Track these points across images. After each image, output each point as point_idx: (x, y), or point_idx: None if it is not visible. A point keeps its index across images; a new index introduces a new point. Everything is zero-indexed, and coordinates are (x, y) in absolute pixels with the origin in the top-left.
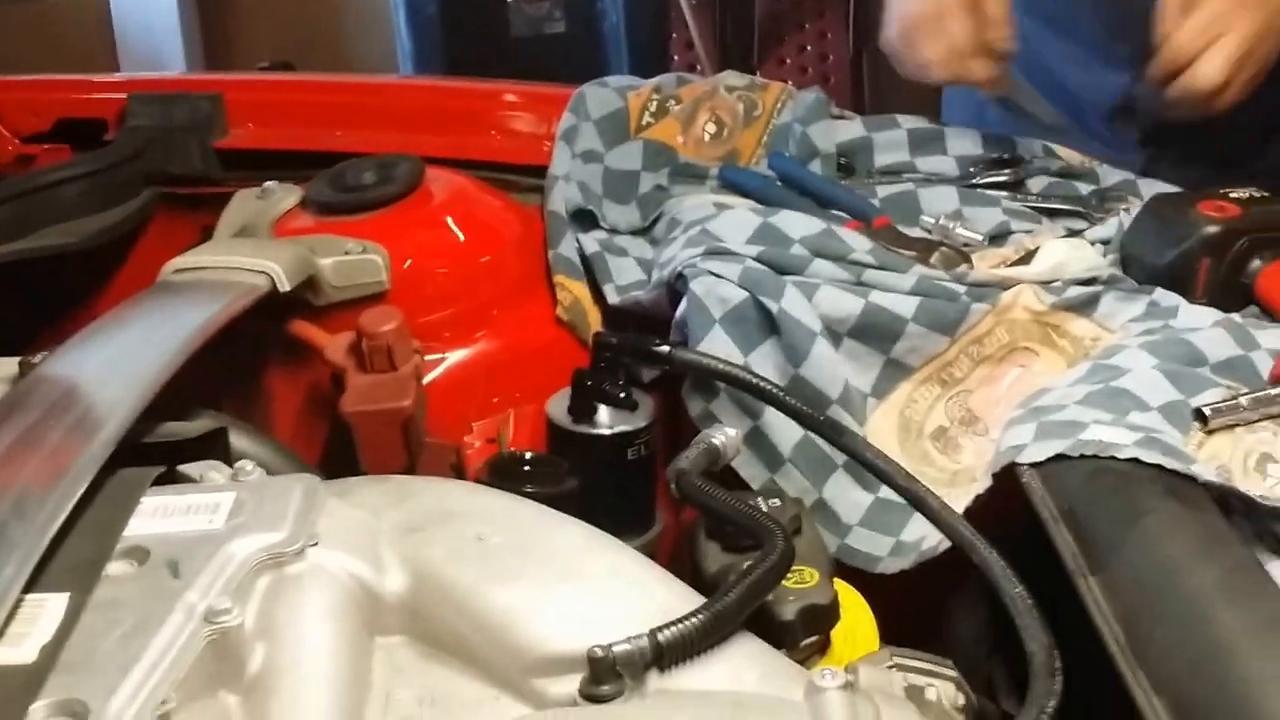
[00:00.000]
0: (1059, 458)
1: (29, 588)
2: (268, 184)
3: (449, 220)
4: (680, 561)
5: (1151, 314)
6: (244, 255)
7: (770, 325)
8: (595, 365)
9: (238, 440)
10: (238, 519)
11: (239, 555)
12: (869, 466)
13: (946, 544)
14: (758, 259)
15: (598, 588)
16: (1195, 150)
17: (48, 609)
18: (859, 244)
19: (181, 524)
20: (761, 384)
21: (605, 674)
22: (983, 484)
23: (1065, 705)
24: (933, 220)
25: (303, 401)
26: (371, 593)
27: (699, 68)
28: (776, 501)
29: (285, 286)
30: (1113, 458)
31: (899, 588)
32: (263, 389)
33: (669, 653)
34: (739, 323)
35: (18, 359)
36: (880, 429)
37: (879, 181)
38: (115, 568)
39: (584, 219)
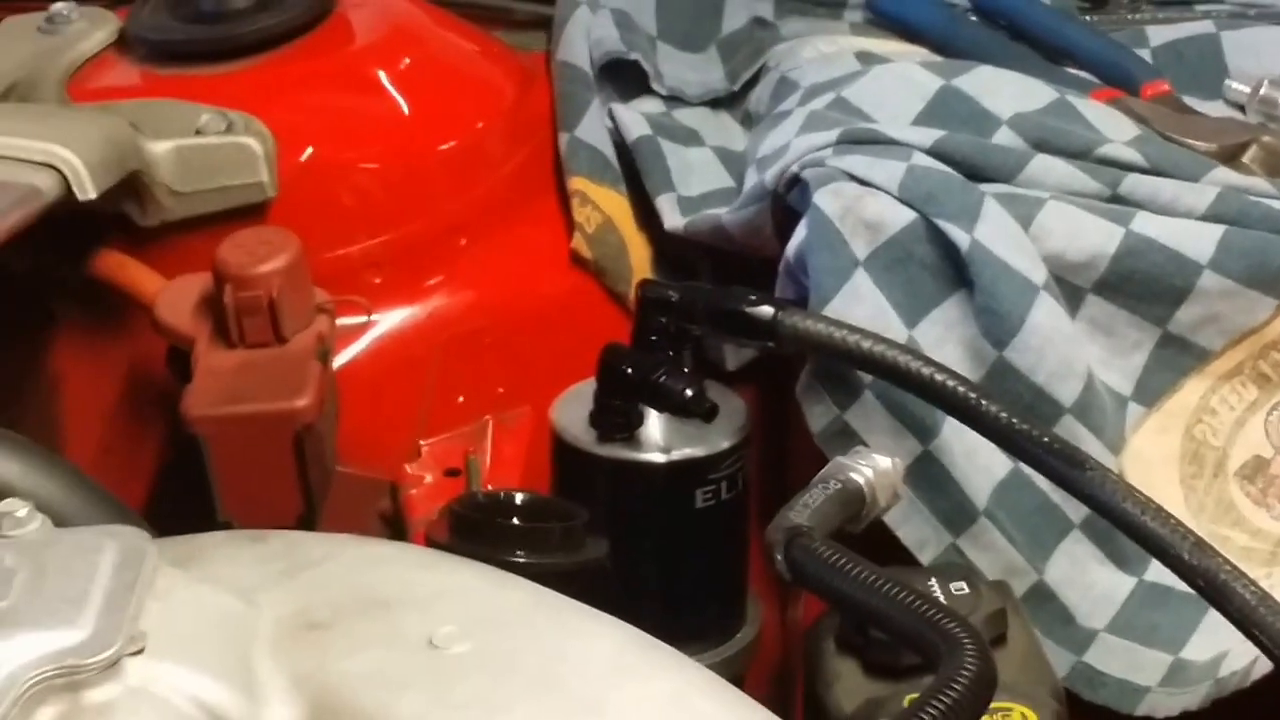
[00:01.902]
0: None
1: None
2: (58, 5)
3: (382, 76)
4: (790, 690)
5: None
6: (15, 135)
7: (955, 272)
8: (641, 339)
9: (2, 464)
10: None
11: (4, 669)
12: (1131, 528)
13: (1266, 667)
14: (933, 152)
15: None
16: None
17: None
18: (1116, 129)
19: None
20: (938, 378)
21: None
22: None
23: None
24: (1247, 88)
25: (117, 397)
26: None
27: None
28: (963, 587)
29: (89, 192)
30: None
31: None
32: (47, 374)
33: None
34: (899, 266)
35: None
36: (1150, 458)
37: (1152, 17)
38: None
39: (624, 78)
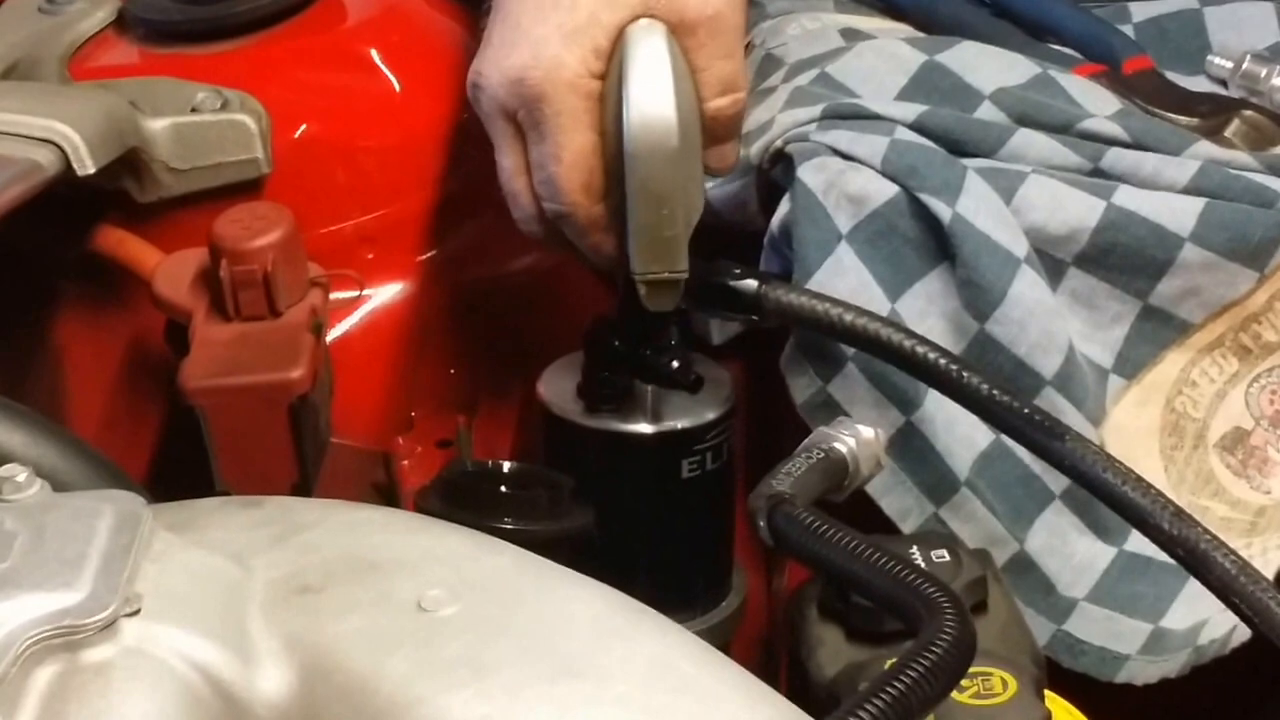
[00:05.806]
0: None
1: None
2: None
3: (374, 54)
4: (774, 656)
5: None
6: (16, 112)
7: (937, 246)
8: (628, 314)
9: (2, 431)
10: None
11: (3, 629)
12: (1110, 498)
13: (1245, 634)
14: (916, 127)
15: (622, 699)
16: None
17: None
18: (1098, 103)
19: None
20: (919, 350)
21: None
22: None
23: None
24: (1230, 63)
25: (118, 370)
26: (231, 698)
27: None
28: (944, 555)
29: (88, 167)
30: None
31: (1159, 709)
32: (49, 348)
33: None
34: (882, 240)
35: None
36: (1130, 430)
37: None
38: None
39: None
